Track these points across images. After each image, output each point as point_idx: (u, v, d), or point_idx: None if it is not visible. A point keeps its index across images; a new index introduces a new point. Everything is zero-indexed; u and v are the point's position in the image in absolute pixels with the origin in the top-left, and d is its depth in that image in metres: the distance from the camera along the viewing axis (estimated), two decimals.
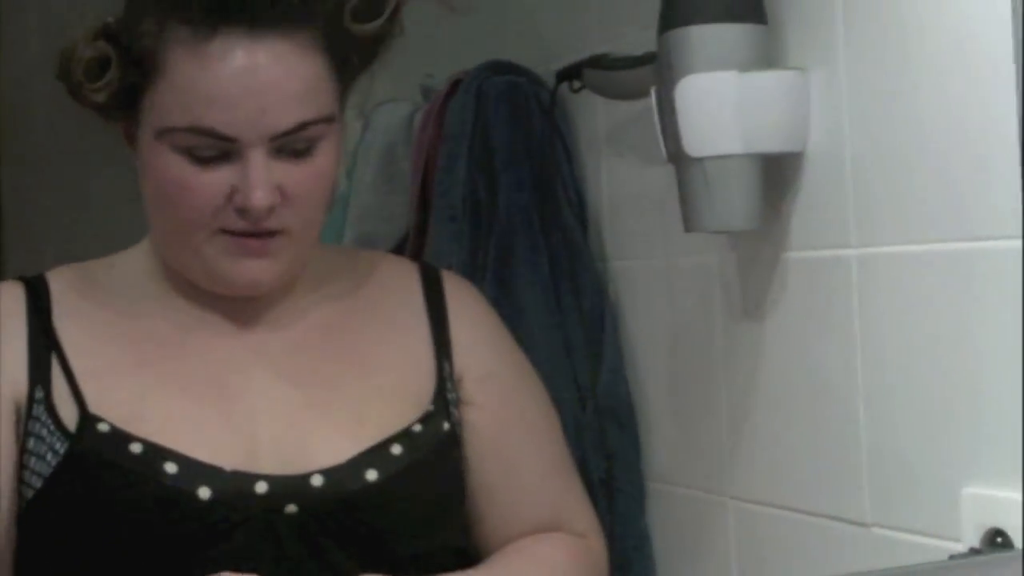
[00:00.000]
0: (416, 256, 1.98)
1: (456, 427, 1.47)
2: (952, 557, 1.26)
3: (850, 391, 1.39)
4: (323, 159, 1.40)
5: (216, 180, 1.37)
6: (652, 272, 1.74)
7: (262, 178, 1.36)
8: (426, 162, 1.99)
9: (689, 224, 1.48)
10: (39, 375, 1.41)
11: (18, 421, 1.41)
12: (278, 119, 1.36)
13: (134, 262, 1.50)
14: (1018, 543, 1.23)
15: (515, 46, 1.98)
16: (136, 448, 1.36)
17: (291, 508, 1.36)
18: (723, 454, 1.61)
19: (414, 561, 1.39)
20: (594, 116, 1.83)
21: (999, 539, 1.25)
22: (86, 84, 1.40)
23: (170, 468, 1.35)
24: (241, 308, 1.47)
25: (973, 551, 1.26)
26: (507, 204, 1.83)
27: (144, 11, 1.38)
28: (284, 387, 1.43)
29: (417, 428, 1.43)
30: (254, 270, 1.41)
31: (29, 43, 3.64)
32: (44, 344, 1.43)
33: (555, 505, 1.51)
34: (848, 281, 1.38)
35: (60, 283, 1.48)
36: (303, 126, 1.37)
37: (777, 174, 1.46)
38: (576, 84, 1.76)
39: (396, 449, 1.41)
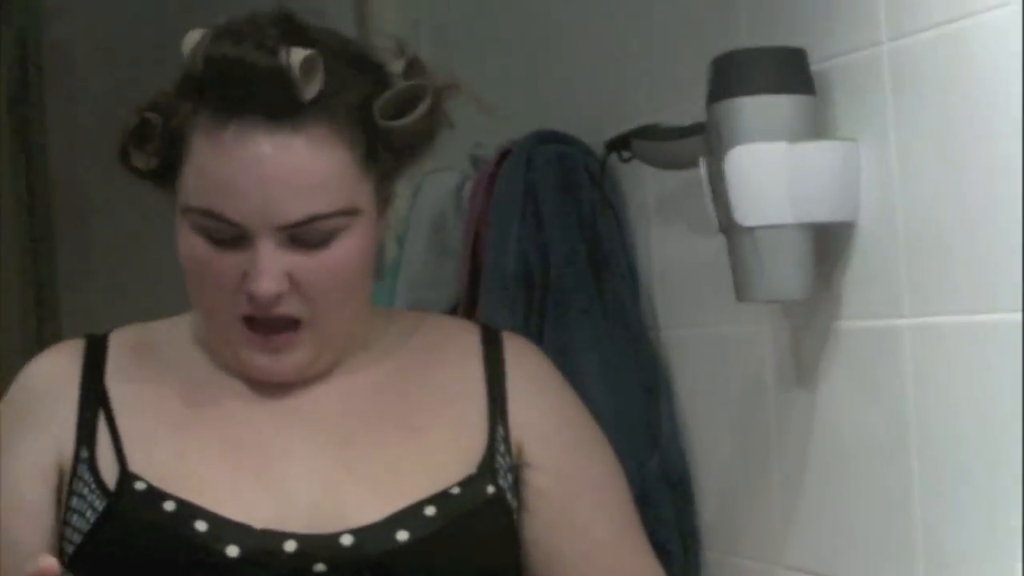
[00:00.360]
0: None
1: (504, 492, 1.46)
2: None
3: (904, 462, 1.38)
4: (341, 251, 1.41)
5: (230, 263, 1.40)
6: (704, 341, 1.74)
7: (267, 267, 1.38)
8: (476, 231, 2.00)
9: (741, 294, 1.49)
10: (85, 436, 1.45)
11: (61, 482, 1.45)
12: (284, 211, 1.38)
13: (186, 326, 1.53)
14: None
15: (564, 116, 1.99)
16: (169, 506, 1.39)
17: (320, 567, 1.37)
18: (776, 523, 1.60)
19: None
20: (643, 186, 1.84)
21: None
22: (130, 149, 1.44)
23: (200, 526, 1.37)
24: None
25: None
26: (559, 273, 1.84)
27: (185, 93, 1.42)
28: (323, 450, 1.45)
29: (455, 491, 1.43)
30: (274, 365, 1.44)
31: (85, 108, 3.69)
32: (94, 403, 1.46)
33: (628, 565, 1.50)
34: (901, 351, 1.38)
35: (119, 344, 1.51)
36: (312, 219, 1.39)
37: (829, 244, 1.46)
38: (625, 154, 1.76)
39: (430, 511, 1.41)
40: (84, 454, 1.44)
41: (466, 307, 2.03)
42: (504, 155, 1.97)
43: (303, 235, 1.39)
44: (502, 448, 1.48)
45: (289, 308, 1.41)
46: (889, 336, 1.39)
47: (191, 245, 1.42)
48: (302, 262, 1.40)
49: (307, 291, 1.41)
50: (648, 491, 1.73)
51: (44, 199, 3.88)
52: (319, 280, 1.41)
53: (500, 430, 1.48)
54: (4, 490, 1.44)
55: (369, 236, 1.45)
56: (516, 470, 1.49)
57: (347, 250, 1.42)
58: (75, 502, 1.44)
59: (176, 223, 1.45)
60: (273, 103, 1.38)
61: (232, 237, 1.40)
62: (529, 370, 1.54)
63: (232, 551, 1.37)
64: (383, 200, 1.47)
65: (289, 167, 1.38)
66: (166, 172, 1.44)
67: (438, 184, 2.19)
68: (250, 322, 1.43)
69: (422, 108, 1.43)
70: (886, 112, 1.39)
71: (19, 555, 1.42)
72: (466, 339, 1.55)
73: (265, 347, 1.43)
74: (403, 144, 1.44)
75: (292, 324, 1.42)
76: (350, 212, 1.41)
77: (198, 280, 1.44)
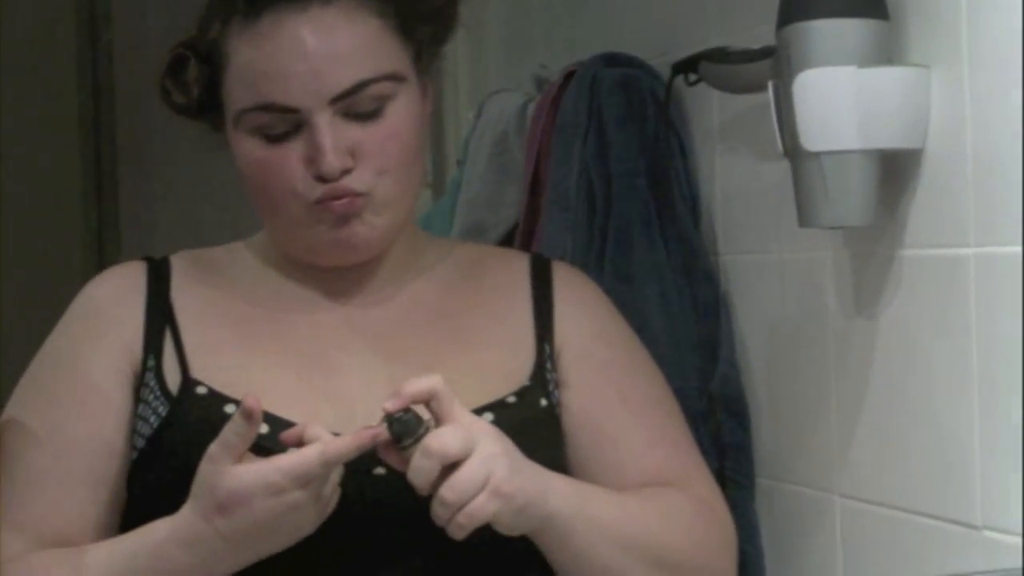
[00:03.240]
0: (525, 244, 1.99)
1: (554, 406, 1.49)
2: None
3: (964, 392, 1.38)
4: (394, 119, 1.44)
5: (291, 153, 1.43)
6: (764, 267, 1.73)
7: (328, 142, 1.41)
8: (539, 152, 2.00)
9: (803, 219, 1.48)
10: (152, 345, 1.48)
11: (133, 387, 1.48)
12: (333, 81, 1.41)
13: (251, 248, 1.57)
14: None
15: (631, 38, 1.98)
16: (230, 409, 1.41)
17: (379, 471, 1.39)
18: (832, 451, 1.60)
19: None
20: (709, 109, 1.82)
21: None
22: (168, 86, 1.49)
23: (262, 428, 1.38)
24: (346, 288, 1.52)
25: None
26: (622, 195, 1.83)
27: (211, 16, 1.47)
28: (382, 363, 1.48)
29: (511, 399, 1.47)
30: (349, 231, 1.45)
31: (148, 38, 3.69)
32: (160, 317, 1.49)
33: (659, 477, 1.51)
34: (965, 280, 1.37)
35: (181, 263, 1.55)
36: (362, 84, 1.42)
37: (895, 170, 1.45)
38: (692, 77, 1.75)
39: (488, 417, 1.43)
40: (151, 362, 1.47)
41: (526, 228, 2.02)
42: (569, 76, 1.96)
43: (355, 105, 1.43)
44: (549, 364, 1.51)
45: (358, 182, 1.43)
46: (953, 265, 1.38)
47: (249, 150, 1.45)
48: (360, 136, 1.43)
49: (370, 162, 1.44)
50: (704, 415, 1.72)
51: (109, 133, 3.91)
52: (379, 149, 1.44)
53: (547, 347, 1.52)
54: (92, 391, 1.47)
55: (418, 108, 1.48)
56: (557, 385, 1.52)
57: (400, 117, 1.45)
58: (141, 409, 1.47)
59: (230, 141, 1.48)
60: None
61: (288, 129, 1.43)
62: (574, 294, 1.57)
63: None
64: (425, 82, 1.51)
65: (328, 38, 1.42)
66: (207, 101, 1.48)
67: (501, 104, 2.19)
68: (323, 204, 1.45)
69: None
70: (960, 39, 1.37)
71: (112, 457, 1.46)
72: (516, 266, 1.58)
73: (345, 210, 1.44)
74: (431, 9, 1.49)
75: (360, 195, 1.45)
76: (395, 77, 1.45)
77: (262, 182, 1.46)
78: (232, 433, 1.33)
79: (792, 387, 1.70)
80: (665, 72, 1.82)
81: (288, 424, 1.39)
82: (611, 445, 1.51)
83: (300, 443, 1.34)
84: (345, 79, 1.42)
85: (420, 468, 1.32)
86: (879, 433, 1.52)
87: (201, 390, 1.44)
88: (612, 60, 1.91)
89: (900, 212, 1.46)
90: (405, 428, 1.33)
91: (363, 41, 1.43)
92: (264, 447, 1.37)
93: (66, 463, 1.46)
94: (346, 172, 1.43)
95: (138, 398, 1.47)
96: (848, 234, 1.55)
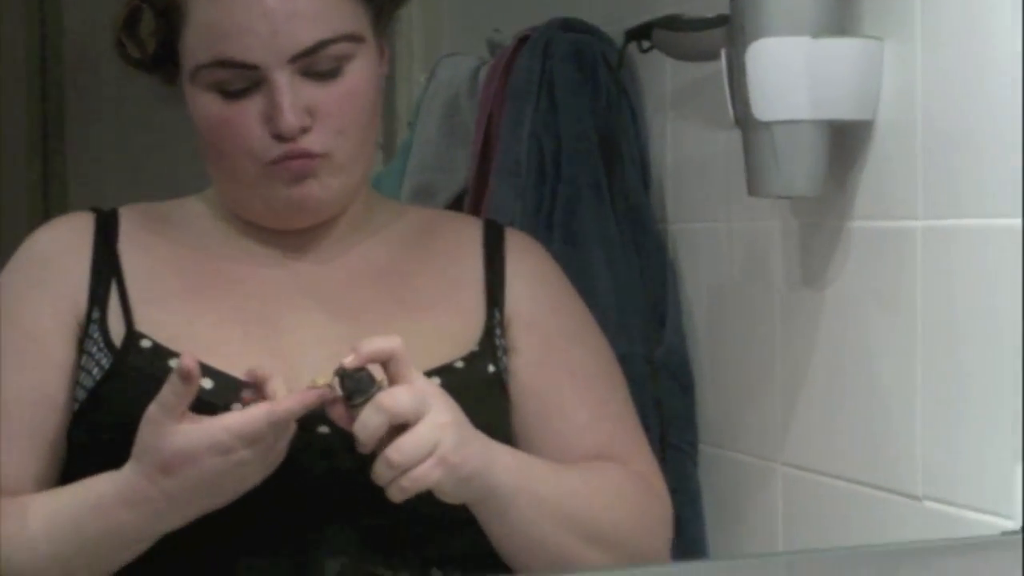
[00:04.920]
0: (474, 208, 1.98)
1: (502, 373, 1.49)
2: (1004, 534, 1.26)
3: (908, 363, 1.39)
4: (353, 79, 1.44)
5: (248, 111, 1.42)
6: (713, 235, 1.74)
7: (287, 100, 1.41)
8: (489, 117, 1.99)
9: (753, 188, 1.48)
10: (97, 297, 1.47)
11: (77, 339, 1.46)
12: (293, 39, 1.41)
13: (201, 203, 1.56)
14: None
15: (585, 4, 1.98)
16: (175, 363, 1.38)
17: (323, 429, 1.39)
18: (775, 420, 1.61)
19: None
20: (662, 77, 1.82)
21: None
22: (124, 39, 1.48)
23: (206, 384, 1.38)
24: (298, 246, 1.52)
25: None
26: (572, 161, 1.83)
27: None
28: (330, 321, 1.47)
29: (459, 364, 1.46)
30: (304, 191, 1.45)
31: None
32: (106, 269, 1.48)
33: (602, 451, 1.51)
34: (912, 253, 1.38)
35: (130, 216, 1.54)
36: (322, 44, 1.42)
37: (845, 142, 1.46)
38: (645, 44, 1.75)
39: (435, 381, 1.42)
40: (96, 315, 1.46)
41: (475, 192, 2.02)
42: (522, 41, 1.96)
43: (314, 65, 1.43)
44: (498, 331, 1.51)
45: (316, 143, 1.43)
46: (901, 238, 1.39)
47: (205, 106, 1.45)
48: (319, 93, 1.43)
49: (328, 122, 1.43)
50: (649, 381, 1.73)
51: (55, 82, 3.87)
52: (337, 110, 1.44)
53: (497, 314, 1.52)
54: (33, 343, 1.46)
55: (375, 69, 1.48)
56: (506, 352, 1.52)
57: (358, 77, 1.45)
58: (84, 360, 1.45)
59: (185, 96, 1.47)
60: None
61: (246, 86, 1.43)
62: (527, 262, 1.57)
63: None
64: (382, 43, 1.51)
65: None
66: (162, 55, 1.47)
67: (453, 67, 2.18)
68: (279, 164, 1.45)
69: None
70: (913, 13, 1.38)
71: (53, 410, 1.45)
72: (469, 232, 1.58)
73: (302, 170, 1.44)
74: None
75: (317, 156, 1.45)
76: (355, 37, 1.45)
77: (218, 140, 1.45)
78: (170, 393, 1.32)
79: (737, 355, 1.71)
80: (618, 39, 1.82)
81: (233, 380, 1.39)
82: (556, 416, 1.51)
83: (260, 388, 1.34)
84: (305, 38, 1.41)
85: (368, 422, 1.31)
86: (822, 403, 1.53)
87: (145, 343, 1.44)
88: (566, 26, 1.91)
89: (849, 183, 1.46)
90: (358, 386, 1.32)
91: (324, 1, 1.43)
92: (209, 403, 1.37)
93: (5, 415, 1.44)
94: (304, 131, 1.42)
95: (81, 350, 1.46)
96: (797, 204, 1.55)
